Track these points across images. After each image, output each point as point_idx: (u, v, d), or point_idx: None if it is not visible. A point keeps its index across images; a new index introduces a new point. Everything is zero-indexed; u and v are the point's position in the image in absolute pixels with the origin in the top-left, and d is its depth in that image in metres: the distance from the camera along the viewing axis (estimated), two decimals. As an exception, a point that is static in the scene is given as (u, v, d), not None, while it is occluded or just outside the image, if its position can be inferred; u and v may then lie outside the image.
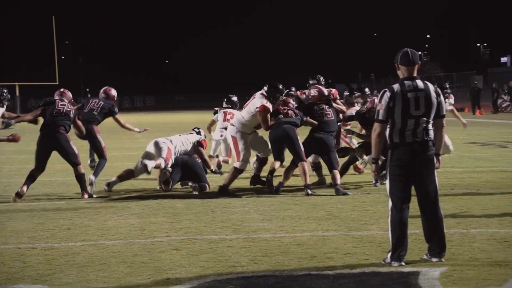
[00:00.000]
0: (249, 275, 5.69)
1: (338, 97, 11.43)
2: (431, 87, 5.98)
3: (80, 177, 10.32)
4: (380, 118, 5.96)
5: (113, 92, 12.06)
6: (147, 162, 10.38)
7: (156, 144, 10.69)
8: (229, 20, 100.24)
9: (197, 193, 10.50)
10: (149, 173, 10.54)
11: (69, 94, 10.82)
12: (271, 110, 10.23)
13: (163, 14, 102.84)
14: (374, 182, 10.83)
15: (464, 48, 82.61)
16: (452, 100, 11.68)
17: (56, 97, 10.68)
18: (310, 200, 9.74)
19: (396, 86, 5.95)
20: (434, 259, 5.92)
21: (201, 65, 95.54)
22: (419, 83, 5.95)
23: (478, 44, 79.91)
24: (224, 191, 10.25)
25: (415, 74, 6.00)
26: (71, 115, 10.43)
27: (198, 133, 11.43)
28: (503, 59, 72.27)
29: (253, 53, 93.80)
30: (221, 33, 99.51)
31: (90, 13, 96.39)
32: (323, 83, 11.41)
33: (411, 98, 5.87)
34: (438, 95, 5.96)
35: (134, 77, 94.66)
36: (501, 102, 41.54)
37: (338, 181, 10.30)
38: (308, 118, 10.58)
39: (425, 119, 5.90)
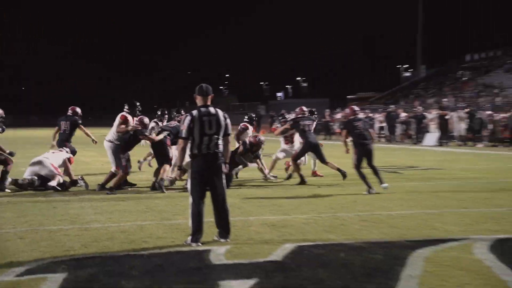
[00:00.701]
0: (80, 257, 5.40)
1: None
2: (220, 113, 6.09)
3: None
4: (183, 135, 6.00)
5: None
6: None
7: (41, 162, 10.26)
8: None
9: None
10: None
11: None
12: (129, 120, 10.33)
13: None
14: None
15: (251, 85, 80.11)
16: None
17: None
18: (135, 196, 9.50)
19: (195, 112, 6.02)
20: (222, 240, 6.01)
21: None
22: (212, 109, 6.05)
23: (261, 83, 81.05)
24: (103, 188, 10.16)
25: (209, 103, 6.08)
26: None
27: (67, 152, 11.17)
28: (279, 94, 75.17)
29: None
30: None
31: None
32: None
33: (205, 121, 5.96)
34: (225, 118, 6.07)
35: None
36: (276, 126, 43.45)
37: (161, 175, 10.24)
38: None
39: (216, 136, 5.99)
